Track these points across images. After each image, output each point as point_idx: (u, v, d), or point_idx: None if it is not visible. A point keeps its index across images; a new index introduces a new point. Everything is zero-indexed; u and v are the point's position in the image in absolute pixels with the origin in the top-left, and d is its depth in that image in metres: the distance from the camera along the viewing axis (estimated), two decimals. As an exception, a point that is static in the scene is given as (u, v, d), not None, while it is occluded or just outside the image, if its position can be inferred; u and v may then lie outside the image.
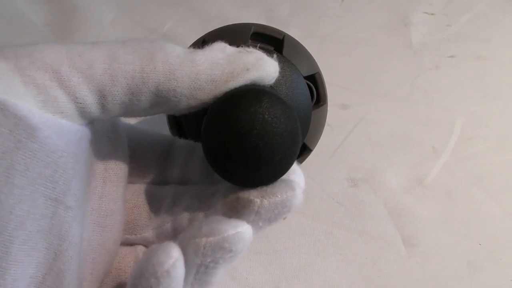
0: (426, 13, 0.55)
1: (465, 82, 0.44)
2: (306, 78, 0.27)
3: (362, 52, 0.48)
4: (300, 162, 0.29)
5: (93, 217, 0.17)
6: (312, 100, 0.27)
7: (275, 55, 0.17)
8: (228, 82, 0.16)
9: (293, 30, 0.28)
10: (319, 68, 0.28)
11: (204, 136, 0.16)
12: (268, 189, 0.15)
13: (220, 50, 0.16)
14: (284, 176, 0.16)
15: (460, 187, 0.33)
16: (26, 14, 0.51)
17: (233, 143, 0.15)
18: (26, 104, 0.13)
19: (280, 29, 0.29)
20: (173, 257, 0.14)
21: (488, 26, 0.53)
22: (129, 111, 0.15)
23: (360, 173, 0.34)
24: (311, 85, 0.27)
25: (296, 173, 0.16)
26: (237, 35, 0.28)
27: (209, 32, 0.29)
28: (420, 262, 0.28)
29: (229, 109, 0.15)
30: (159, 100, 0.15)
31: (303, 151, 0.28)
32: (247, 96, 0.15)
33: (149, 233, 0.19)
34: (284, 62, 0.25)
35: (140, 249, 0.19)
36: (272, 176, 0.16)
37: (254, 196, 0.15)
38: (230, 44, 0.17)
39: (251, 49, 0.17)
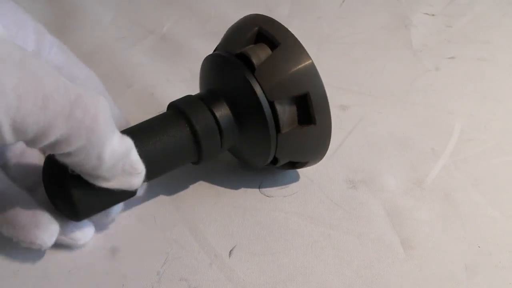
0: (427, 14, 0.55)
1: (465, 84, 0.44)
2: (295, 97, 0.27)
3: (362, 53, 0.48)
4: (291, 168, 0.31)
5: None
6: (277, 126, 0.27)
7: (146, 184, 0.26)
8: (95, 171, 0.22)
9: (293, 30, 0.28)
10: (312, 86, 0.27)
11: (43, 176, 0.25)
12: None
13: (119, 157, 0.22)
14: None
15: (459, 189, 0.33)
16: (25, 14, 0.51)
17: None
18: None
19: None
20: None
21: (489, 27, 0.53)
22: None
23: (359, 175, 0.34)
24: (277, 110, 0.27)
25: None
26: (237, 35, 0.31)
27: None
28: (419, 265, 0.28)
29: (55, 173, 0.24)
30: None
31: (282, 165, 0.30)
32: (64, 175, 0.23)
33: None
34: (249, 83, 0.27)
35: None
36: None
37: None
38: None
39: (137, 170, 0.23)
